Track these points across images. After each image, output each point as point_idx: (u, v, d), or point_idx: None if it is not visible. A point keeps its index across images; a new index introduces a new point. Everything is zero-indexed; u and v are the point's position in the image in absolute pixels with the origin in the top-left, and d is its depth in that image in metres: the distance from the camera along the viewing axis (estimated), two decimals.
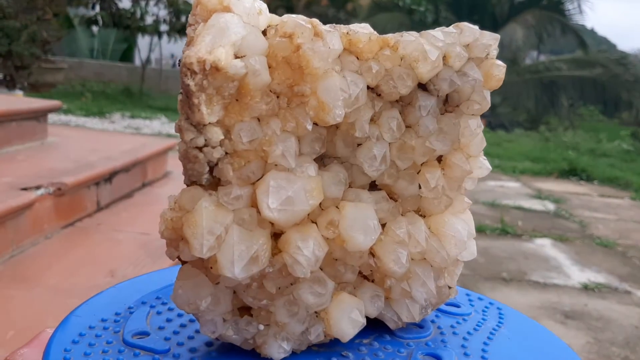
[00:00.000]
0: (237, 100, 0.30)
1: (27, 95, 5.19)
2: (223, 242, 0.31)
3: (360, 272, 0.36)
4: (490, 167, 0.40)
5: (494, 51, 0.37)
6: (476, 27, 0.36)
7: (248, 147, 0.31)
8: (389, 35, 0.34)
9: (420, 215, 0.37)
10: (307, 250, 0.32)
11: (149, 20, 9.78)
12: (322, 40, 0.31)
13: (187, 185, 0.33)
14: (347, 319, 0.34)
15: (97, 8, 9.46)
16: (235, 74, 0.29)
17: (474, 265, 2.65)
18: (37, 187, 1.73)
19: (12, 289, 1.40)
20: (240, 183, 0.31)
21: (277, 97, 0.31)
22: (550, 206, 4.16)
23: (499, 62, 0.37)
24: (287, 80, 0.31)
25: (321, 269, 0.34)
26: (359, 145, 0.34)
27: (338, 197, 0.33)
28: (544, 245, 3.12)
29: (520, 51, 13.07)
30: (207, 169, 0.31)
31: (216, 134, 0.30)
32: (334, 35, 0.32)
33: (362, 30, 0.33)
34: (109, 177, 2.12)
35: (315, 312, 0.34)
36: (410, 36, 0.34)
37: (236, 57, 0.29)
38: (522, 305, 2.23)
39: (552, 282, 2.54)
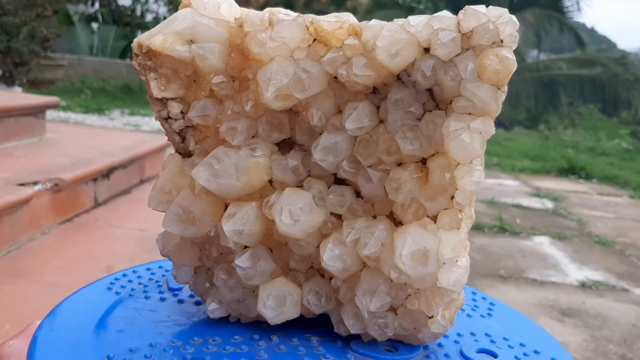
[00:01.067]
0: (194, 81, 0.34)
1: (26, 91, 5.19)
2: (172, 201, 0.35)
3: (314, 266, 0.36)
4: (480, 180, 0.32)
5: (509, 38, 0.31)
6: (483, 10, 0.31)
7: (202, 122, 0.34)
8: (361, 23, 0.33)
9: (398, 222, 0.34)
10: (232, 221, 0.33)
11: (149, 17, 9.78)
12: (271, 29, 0.32)
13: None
14: (271, 301, 0.35)
15: (97, 5, 9.47)
16: (180, 58, 0.33)
17: (471, 263, 2.64)
18: (35, 183, 1.73)
19: (9, 284, 1.40)
20: (200, 154, 0.35)
21: (233, 80, 0.34)
22: (549, 204, 4.16)
23: (503, 52, 0.31)
24: (238, 66, 0.34)
25: (271, 250, 0.35)
26: (320, 134, 0.34)
27: (285, 181, 0.34)
28: (542, 243, 3.12)
29: (520, 49, 13.05)
30: (179, 138, 0.35)
31: (174, 108, 0.34)
32: (288, 24, 0.33)
33: (336, 19, 0.33)
34: (107, 173, 2.12)
35: (252, 287, 0.36)
36: (376, 22, 0.33)
37: (189, 44, 0.33)
38: (519, 303, 2.23)
39: (549, 279, 2.54)
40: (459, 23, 0.32)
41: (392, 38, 0.31)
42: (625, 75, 12.30)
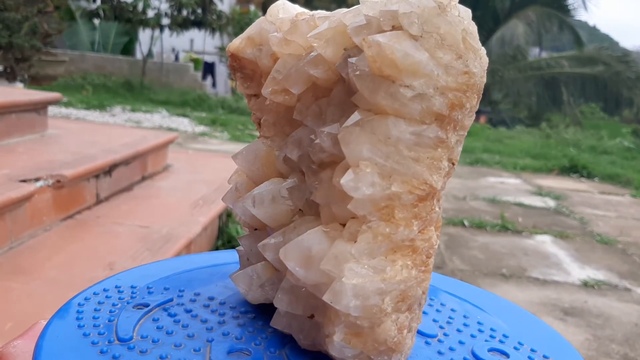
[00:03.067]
0: (263, 80, 0.38)
1: (28, 87, 5.19)
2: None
3: None
4: (360, 190, 0.29)
5: (412, 24, 0.28)
6: None
7: (258, 116, 0.39)
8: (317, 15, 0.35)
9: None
10: (239, 202, 0.37)
11: (150, 13, 9.76)
12: (289, 31, 0.34)
13: None
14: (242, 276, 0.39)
15: (99, 1, 9.45)
16: (250, 59, 0.38)
17: (473, 261, 2.65)
18: (37, 179, 1.73)
19: (10, 280, 1.40)
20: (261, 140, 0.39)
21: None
22: (551, 203, 4.15)
23: (377, 37, 0.28)
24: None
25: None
26: None
27: (281, 171, 0.37)
28: (544, 241, 3.12)
29: (522, 47, 13.04)
30: (259, 127, 0.39)
31: (251, 103, 0.40)
32: (299, 24, 0.34)
33: (334, 15, 0.33)
34: (109, 169, 2.11)
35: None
36: (325, 13, 0.34)
37: (257, 47, 0.38)
38: (521, 302, 2.22)
39: (552, 278, 2.54)
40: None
41: (323, 28, 0.31)
42: (627, 74, 12.29)
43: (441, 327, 0.42)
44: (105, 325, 0.38)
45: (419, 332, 0.40)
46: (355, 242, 0.30)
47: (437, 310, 0.46)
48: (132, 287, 0.45)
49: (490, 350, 0.39)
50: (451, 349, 0.39)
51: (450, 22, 0.29)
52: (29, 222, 1.66)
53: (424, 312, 0.44)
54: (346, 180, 0.29)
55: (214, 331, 0.37)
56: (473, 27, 0.30)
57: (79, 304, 0.41)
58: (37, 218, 1.71)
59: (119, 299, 0.43)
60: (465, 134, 0.33)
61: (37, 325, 0.42)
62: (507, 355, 0.38)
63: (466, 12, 0.30)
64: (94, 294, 0.43)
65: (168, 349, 0.35)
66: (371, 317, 0.31)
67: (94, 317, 0.39)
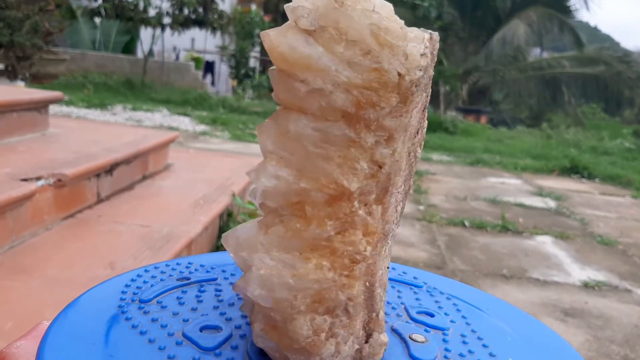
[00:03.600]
0: None
1: (29, 86, 5.19)
2: None
3: None
4: (260, 184, 0.31)
5: (301, 18, 0.28)
6: None
7: None
8: None
9: None
10: None
11: (151, 12, 9.76)
12: None
13: None
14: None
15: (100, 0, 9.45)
16: None
17: (474, 262, 2.65)
18: (38, 178, 1.73)
19: (11, 279, 1.40)
20: None
21: None
22: (552, 203, 4.15)
23: (271, 33, 0.29)
24: None
25: None
26: None
27: None
28: (545, 242, 3.12)
29: (523, 47, 13.03)
30: None
31: None
32: None
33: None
34: (110, 169, 2.11)
35: None
36: None
37: None
38: (522, 302, 2.22)
39: (552, 279, 2.54)
40: None
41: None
42: (628, 74, 12.29)
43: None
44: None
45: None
46: (265, 233, 0.31)
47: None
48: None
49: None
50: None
51: (351, 16, 0.28)
52: (30, 221, 1.66)
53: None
54: (250, 171, 0.30)
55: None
56: (390, 22, 0.29)
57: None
58: (38, 217, 1.71)
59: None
60: (394, 136, 0.31)
61: (40, 326, 0.42)
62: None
63: (383, 7, 0.29)
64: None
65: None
66: (283, 312, 0.31)
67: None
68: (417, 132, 0.38)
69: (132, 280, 0.45)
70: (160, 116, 6.66)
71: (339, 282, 0.32)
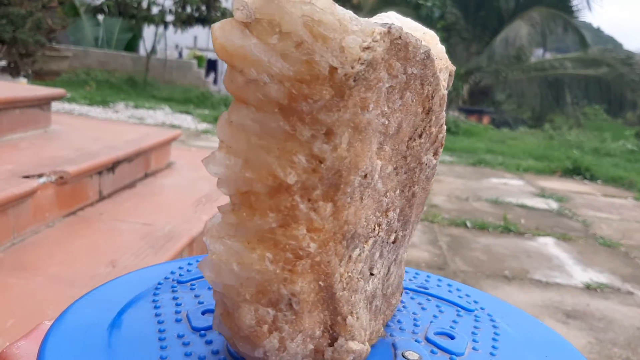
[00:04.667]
0: None
1: (31, 83, 5.18)
2: None
3: None
4: (209, 171, 0.32)
5: (239, 12, 0.29)
6: None
7: None
8: None
9: None
10: None
11: (154, 10, 9.76)
12: None
13: None
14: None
15: None
16: None
17: (476, 263, 2.64)
18: (40, 175, 1.72)
19: (12, 277, 1.40)
20: None
21: None
22: (554, 205, 4.14)
23: (216, 25, 0.30)
24: None
25: None
26: None
27: None
28: (547, 243, 3.11)
29: (525, 48, 13.01)
30: None
31: None
32: None
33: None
34: (112, 166, 2.11)
35: None
36: None
37: None
38: (523, 304, 2.22)
39: (554, 281, 2.53)
40: None
41: None
42: (631, 76, 12.26)
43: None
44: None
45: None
46: (221, 220, 0.32)
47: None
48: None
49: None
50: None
51: (284, 7, 0.28)
52: (31, 218, 1.66)
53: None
54: (204, 158, 0.32)
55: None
56: (325, 14, 0.28)
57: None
58: (40, 214, 1.71)
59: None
60: (334, 131, 0.30)
61: (41, 326, 0.41)
62: None
63: (322, 0, 0.29)
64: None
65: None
66: (231, 298, 0.32)
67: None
68: (419, 136, 0.37)
69: (180, 267, 0.49)
70: (163, 114, 6.66)
71: (280, 276, 0.32)
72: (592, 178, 5.50)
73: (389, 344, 0.40)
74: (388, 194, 0.36)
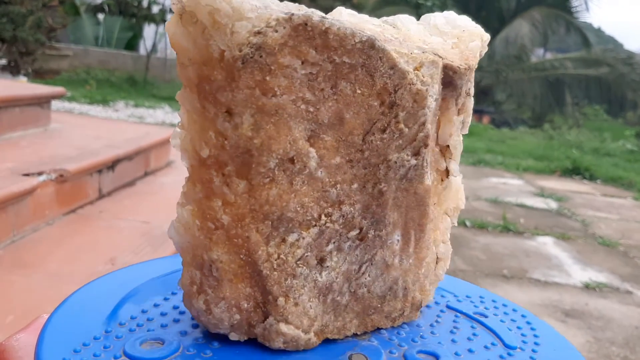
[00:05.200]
0: None
1: (32, 81, 5.19)
2: None
3: None
4: (172, 144, 0.38)
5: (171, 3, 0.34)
6: None
7: None
8: None
9: None
10: None
11: (155, 9, 9.76)
12: None
13: None
14: None
15: None
16: None
17: (475, 262, 2.65)
18: (39, 173, 1.73)
19: (12, 274, 1.40)
20: None
21: None
22: (553, 204, 4.14)
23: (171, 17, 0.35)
24: None
25: None
26: None
27: None
28: (546, 243, 3.12)
29: (526, 48, 13.00)
30: None
31: None
32: None
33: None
34: (112, 165, 2.11)
35: None
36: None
37: None
38: (522, 303, 2.22)
39: (553, 280, 2.54)
40: None
41: None
42: (632, 76, 12.25)
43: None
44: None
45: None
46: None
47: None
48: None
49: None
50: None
51: None
52: (31, 216, 1.67)
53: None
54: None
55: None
56: (221, 3, 0.31)
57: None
58: (40, 212, 1.71)
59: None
60: (233, 111, 0.33)
61: (39, 319, 0.42)
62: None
63: None
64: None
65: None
66: (182, 257, 0.38)
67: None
68: (381, 131, 0.37)
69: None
70: (163, 113, 6.66)
71: (203, 243, 0.36)
72: (592, 178, 5.50)
73: (354, 347, 0.39)
74: (339, 185, 0.36)
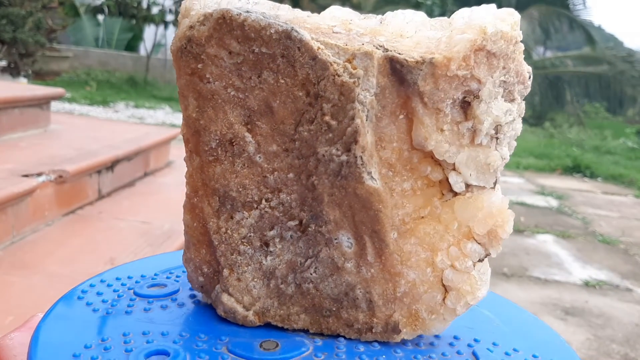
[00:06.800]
0: None
1: (32, 83, 5.19)
2: None
3: None
4: None
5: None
6: None
7: None
8: None
9: None
10: None
11: (155, 10, 9.76)
12: None
13: None
14: None
15: None
16: None
17: None
18: (39, 174, 1.73)
19: (11, 275, 1.41)
20: None
21: None
22: (553, 202, 4.14)
23: None
24: None
25: None
26: None
27: None
28: (546, 241, 3.12)
29: (527, 46, 12.99)
30: None
31: None
32: None
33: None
34: (111, 165, 2.12)
35: None
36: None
37: None
38: (522, 301, 2.22)
39: (553, 278, 2.54)
40: None
41: None
42: (631, 73, 12.23)
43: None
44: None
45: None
46: None
47: None
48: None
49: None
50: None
51: None
52: (30, 217, 1.67)
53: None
54: None
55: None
56: (185, 2, 0.37)
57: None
58: (39, 213, 1.71)
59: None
60: (183, 94, 0.39)
61: (34, 318, 0.42)
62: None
63: None
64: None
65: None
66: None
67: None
68: (309, 123, 0.36)
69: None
70: (163, 114, 6.66)
71: (184, 207, 0.41)
72: (592, 176, 5.49)
73: (284, 337, 0.40)
74: (276, 173, 0.38)
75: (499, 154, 0.41)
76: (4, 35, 4.95)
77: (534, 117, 12.39)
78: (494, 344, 0.41)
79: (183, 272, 0.47)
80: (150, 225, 1.84)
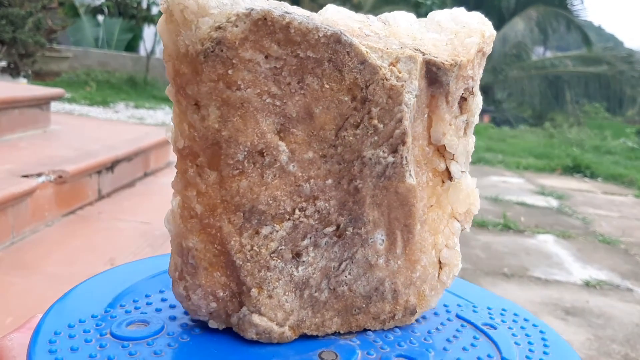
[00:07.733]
0: None
1: (31, 83, 5.19)
2: None
3: None
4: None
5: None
6: None
7: None
8: None
9: None
10: None
11: (154, 10, 9.76)
12: None
13: None
14: None
15: None
16: None
17: (475, 260, 2.64)
18: (39, 175, 1.73)
19: (11, 275, 1.40)
20: None
21: None
22: (554, 202, 4.14)
23: None
24: None
25: None
26: None
27: None
28: (546, 241, 3.11)
29: (526, 46, 13.00)
30: None
31: None
32: None
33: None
34: (111, 165, 2.11)
35: None
36: None
37: None
38: (522, 301, 2.22)
39: (553, 278, 2.53)
40: None
41: None
42: (631, 73, 12.24)
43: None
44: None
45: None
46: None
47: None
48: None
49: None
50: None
51: None
52: (30, 218, 1.67)
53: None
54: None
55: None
56: (189, 1, 0.33)
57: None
58: (39, 213, 1.71)
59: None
60: (199, 103, 0.35)
61: (33, 319, 0.42)
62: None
63: None
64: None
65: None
66: (172, 246, 0.39)
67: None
68: (355, 127, 0.36)
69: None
70: (163, 114, 6.66)
71: (182, 231, 0.37)
72: (592, 176, 5.49)
73: (330, 344, 0.39)
74: (312, 180, 0.36)
75: (473, 140, 0.45)
76: (3, 36, 4.95)
77: (534, 117, 12.41)
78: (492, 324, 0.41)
79: (162, 300, 0.43)
80: (150, 225, 1.84)
